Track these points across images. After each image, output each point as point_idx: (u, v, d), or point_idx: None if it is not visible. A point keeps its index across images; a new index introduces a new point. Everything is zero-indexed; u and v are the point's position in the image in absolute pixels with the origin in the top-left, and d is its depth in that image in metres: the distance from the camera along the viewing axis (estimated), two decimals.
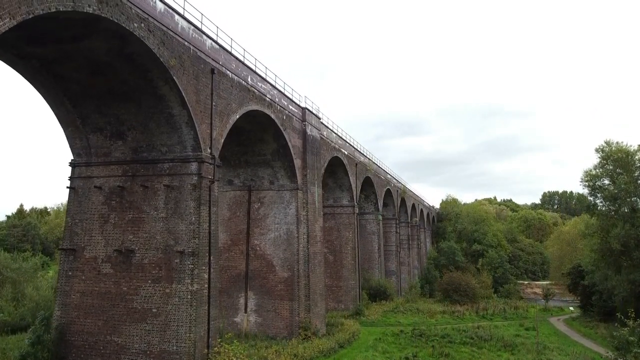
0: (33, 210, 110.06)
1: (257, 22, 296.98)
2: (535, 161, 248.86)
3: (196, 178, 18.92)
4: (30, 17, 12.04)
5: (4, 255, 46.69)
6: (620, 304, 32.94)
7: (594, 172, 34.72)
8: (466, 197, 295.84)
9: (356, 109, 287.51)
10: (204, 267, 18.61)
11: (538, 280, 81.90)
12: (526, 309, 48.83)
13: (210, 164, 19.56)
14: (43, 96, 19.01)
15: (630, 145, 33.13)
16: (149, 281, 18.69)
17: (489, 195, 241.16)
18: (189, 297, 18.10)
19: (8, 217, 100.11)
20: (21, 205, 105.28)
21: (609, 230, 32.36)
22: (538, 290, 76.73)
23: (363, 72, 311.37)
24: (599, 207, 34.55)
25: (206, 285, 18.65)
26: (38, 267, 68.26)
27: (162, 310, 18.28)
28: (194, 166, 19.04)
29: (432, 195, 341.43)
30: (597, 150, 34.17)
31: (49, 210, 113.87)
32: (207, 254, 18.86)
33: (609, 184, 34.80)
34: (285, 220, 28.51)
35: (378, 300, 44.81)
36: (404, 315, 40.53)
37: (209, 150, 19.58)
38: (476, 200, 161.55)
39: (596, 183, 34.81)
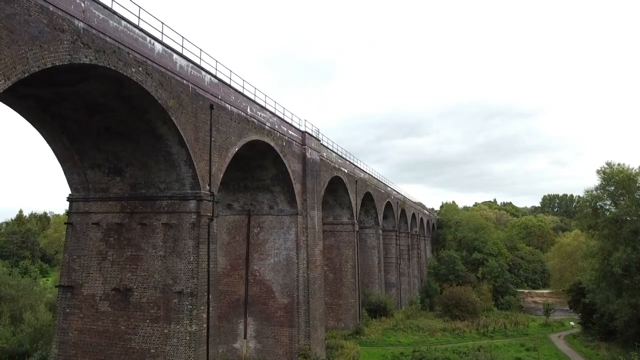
0: (33, 215, 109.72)
1: (259, 27, 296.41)
2: (536, 162, 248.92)
3: (195, 216, 18.72)
4: (26, 75, 11.87)
5: (1, 270, 46.54)
6: (622, 327, 32.79)
7: (595, 193, 34.54)
8: (466, 199, 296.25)
9: (358, 110, 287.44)
10: (202, 307, 18.42)
11: (538, 289, 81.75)
12: (527, 324, 48.67)
13: (209, 201, 19.37)
14: (40, 132, 18.78)
15: (632, 168, 32.97)
16: (147, 321, 18.50)
17: (489, 196, 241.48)
18: (187, 338, 17.91)
19: (7, 223, 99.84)
20: (20, 211, 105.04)
21: (611, 252, 32.16)
22: (538, 299, 76.57)
23: (365, 74, 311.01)
24: (600, 228, 34.30)
25: (205, 326, 18.46)
26: (38, 278, 68.07)
27: (161, 351, 18.09)
28: (192, 204, 18.83)
29: (433, 196, 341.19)
30: (598, 172, 34.00)
31: (48, 215, 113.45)
32: (206, 294, 18.67)
33: (610, 204, 34.63)
34: (285, 246, 28.32)
35: (378, 317, 44.63)
36: (404, 334, 40.36)
37: (207, 187, 19.39)
38: (476, 203, 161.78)
39: (597, 203, 34.63)
